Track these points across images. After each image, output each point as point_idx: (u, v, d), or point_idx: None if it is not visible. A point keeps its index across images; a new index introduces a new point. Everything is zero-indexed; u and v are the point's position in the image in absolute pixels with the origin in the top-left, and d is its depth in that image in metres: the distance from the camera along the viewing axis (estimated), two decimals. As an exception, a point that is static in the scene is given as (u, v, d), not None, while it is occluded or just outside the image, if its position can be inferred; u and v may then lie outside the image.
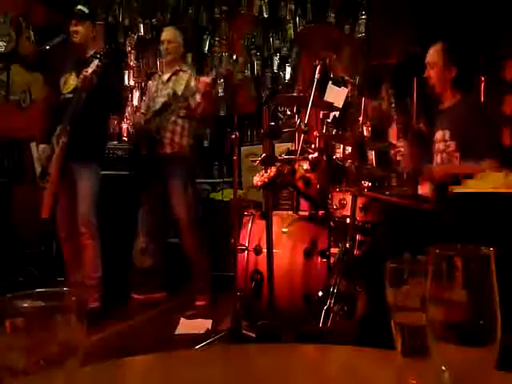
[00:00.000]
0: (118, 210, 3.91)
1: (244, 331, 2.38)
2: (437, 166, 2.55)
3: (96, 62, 3.09)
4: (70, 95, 3.19)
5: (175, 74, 3.63)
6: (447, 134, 2.54)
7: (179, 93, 3.41)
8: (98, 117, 3.32)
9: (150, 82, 3.90)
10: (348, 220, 2.36)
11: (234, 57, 5.02)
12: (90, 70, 3.08)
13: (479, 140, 2.41)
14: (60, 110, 3.19)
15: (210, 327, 2.88)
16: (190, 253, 3.53)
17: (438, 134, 2.63)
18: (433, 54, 2.65)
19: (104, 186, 3.39)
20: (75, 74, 3.25)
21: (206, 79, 3.36)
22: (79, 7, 3.37)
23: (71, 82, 3.27)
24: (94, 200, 3.20)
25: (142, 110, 3.76)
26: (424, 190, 2.47)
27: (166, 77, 3.66)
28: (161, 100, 3.52)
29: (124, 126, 5.45)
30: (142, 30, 5.44)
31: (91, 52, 3.33)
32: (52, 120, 3.29)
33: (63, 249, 3.38)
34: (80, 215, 3.16)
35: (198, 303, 3.47)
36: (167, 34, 3.72)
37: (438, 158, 2.63)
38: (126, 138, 5.42)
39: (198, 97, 3.39)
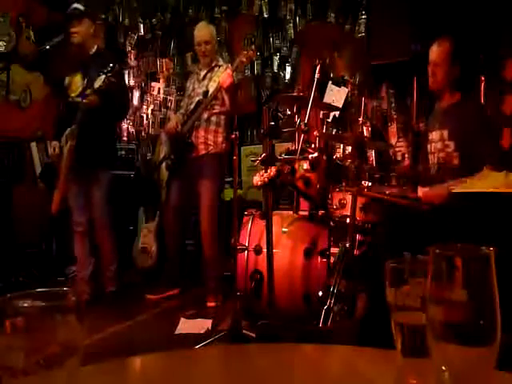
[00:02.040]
0: (119, 210, 3.91)
1: (244, 331, 2.38)
2: (435, 189, 2.45)
3: (103, 77, 3.15)
4: (79, 99, 3.28)
5: (211, 70, 3.54)
6: (445, 133, 2.50)
7: (211, 90, 3.37)
8: (107, 123, 3.44)
9: (187, 81, 3.77)
10: (348, 220, 2.36)
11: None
12: (96, 84, 3.16)
13: (479, 141, 2.39)
14: (69, 111, 3.30)
15: (209, 327, 2.88)
16: (207, 253, 3.48)
17: (435, 134, 2.58)
18: (439, 53, 2.52)
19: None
20: (81, 76, 3.33)
21: (227, 72, 3.25)
22: (74, 6, 3.34)
23: (78, 84, 3.34)
24: (107, 203, 3.44)
25: (182, 111, 3.66)
26: (424, 191, 2.47)
27: (202, 74, 3.58)
28: (196, 100, 3.48)
29: (124, 126, 5.47)
30: (142, 30, 5.45)
31: (93, 50, 3.39)
32: (61, 120, 3.42)
33: (77, 246, 3.46)
34: (98, 219, 3.42)
35: (210, 304, 3.42)
36: (201, 34, 3.53)
37: (434, 159, 2.59)
38: (126, 138, 5.43)
39: (223, 92, 3.33)
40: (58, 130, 3.39)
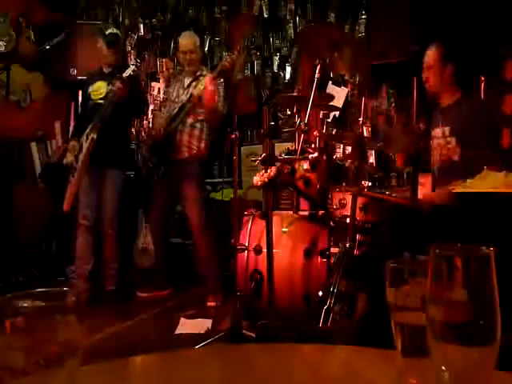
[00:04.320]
0: (119, 210, 3.91)
1: (244, 331, 2.38)
2: (438, 192, 2.50)
3: (132, 67, 3.38)
4: (101, 101, 3.44)
5: (196, 79, 3.60)
6: (447, 130, 2.54)
7: (195, 95, 3.45)
8: (125, 122, 3.65)
9: (169, 87, 3.88)
10: (348, 220, 2.36)
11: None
12: (125, 74, 3.34)
13: (480, 138, 2.41)
14: (90, 113, 3.47)
15: (209, 327, 2.88)
16: (201, 253, 3.53)
17: (438, 131, 2.62)
18: (429, 57, 2.64)
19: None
20: (106, 83, 3.49)
21: (209, 76, 3.36)
22: (113, 31, 3.55)
23: (102, 90, 3.49)
24: (118, 202, 3.55)
25: (164, 114, 3.73)
26: (424, 191, 2.47)
27: (187, 81, 3.64)
28: (180, 104, 3.54)
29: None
30: (142, 30, 5.44)
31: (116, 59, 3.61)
32: (81, 123, 3.58)
33: (79, 240, 3.52)
34: (106, 217, 3.52)
35: (210, 304, 3.44)
36: (187, 43, 3.62)
37: (436, 155, 2.63)
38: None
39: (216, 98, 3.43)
40: (77, 130, 3.57)
